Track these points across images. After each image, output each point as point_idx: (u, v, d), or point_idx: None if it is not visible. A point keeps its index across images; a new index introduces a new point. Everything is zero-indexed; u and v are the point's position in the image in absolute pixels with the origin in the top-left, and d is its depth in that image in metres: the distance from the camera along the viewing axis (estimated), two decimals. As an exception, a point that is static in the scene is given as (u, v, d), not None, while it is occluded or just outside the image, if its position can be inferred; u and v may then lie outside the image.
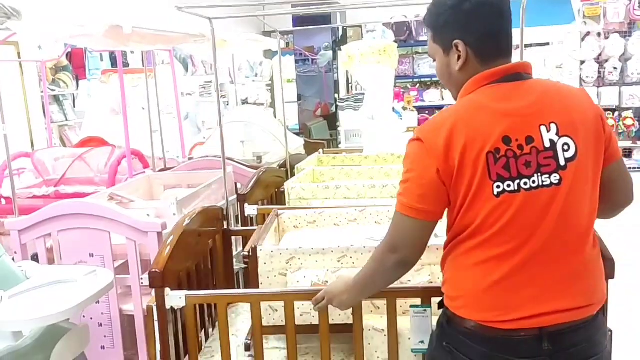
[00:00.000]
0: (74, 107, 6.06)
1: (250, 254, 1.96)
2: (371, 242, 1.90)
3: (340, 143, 6.66)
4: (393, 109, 4.83)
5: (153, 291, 1.83)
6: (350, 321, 1.72)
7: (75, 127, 5.95)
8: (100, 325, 2.43)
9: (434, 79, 8.28)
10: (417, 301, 1.63)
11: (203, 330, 2.24)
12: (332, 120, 8.30)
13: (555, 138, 1.21)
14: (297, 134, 6.47)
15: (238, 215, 2.90)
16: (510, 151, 1.19)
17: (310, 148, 4.56)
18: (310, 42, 9.03)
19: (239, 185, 3.36)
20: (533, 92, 1.24)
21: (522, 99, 1.23)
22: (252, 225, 2.76)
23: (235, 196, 2.95)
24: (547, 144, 1.20)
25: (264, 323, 1.89)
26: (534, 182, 1.19)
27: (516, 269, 1.21)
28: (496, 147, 1.19)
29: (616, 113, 7.34)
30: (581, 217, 1.23)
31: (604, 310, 1.32)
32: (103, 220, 2.33)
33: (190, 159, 4.24)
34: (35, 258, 2.43)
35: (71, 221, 2.36)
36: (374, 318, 1.80)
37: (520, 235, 1.20)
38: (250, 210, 2.82)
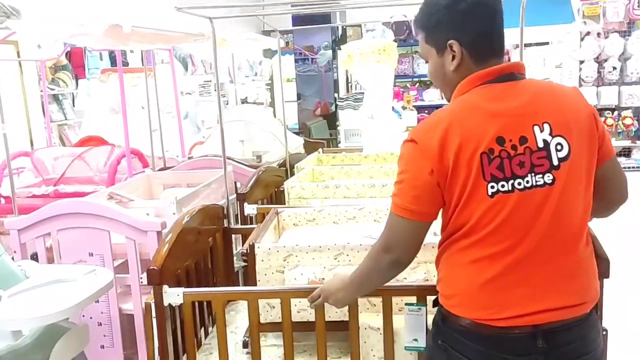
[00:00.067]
0: (74, 106, 6.05)
1: (248, 251, 1.97)
2: (368, 240, 1.91)
3: (339, 142, 6.66)
4: (392, 108, 4.83)
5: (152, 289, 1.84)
6: (347, 318, 1.73)
7: (74, 126, 5.95)
8: (100, 324, 2.43)
9: (433, 79, 8.26)
10: (413, 299, 1.63)
11: (202, 328, 2.25)
12: (331, 120, 8.30)
13: (549, 138, 1.21)
14: (296, 133, 6.47)
15: (238, 214, 2.91)
16: (504, 151, 1.19)
17: (309, 147, 4.56)
18: (309, 42, 9.03)
19: (238, 185, 3.37)
20: (526, 92, 1.25)
21: (516, 99, 1.23)
22: (251, 224, 2.76)
23: (235, 195, 2.95)
24: (541, 144, 1.21)
25: (262, 320, 1.91)
26: (527, 182, 1.20)
27: (510, 268, 1.22)
28: (490, 148, 1.19)
29: (615, 112, 7.35)
30: (574, 217, 1.24)
31: (597, 308, 1.33)
32: (102, 219, 2.33)
33: (189, 158, 4.24)
34: (34, 257, 2.43)
35: (70, 220, 2.36)
36: (370, 316, 1.81)
37: (514, 234, 1.21)
38: (250, 209, 2.82)
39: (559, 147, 1.21)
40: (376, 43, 4.17)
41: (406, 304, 1.61)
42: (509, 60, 8.47)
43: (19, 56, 5.12)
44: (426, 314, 1.60)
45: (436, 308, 1.37)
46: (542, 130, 1.21)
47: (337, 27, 8.75)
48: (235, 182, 3.36)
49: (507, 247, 1.21)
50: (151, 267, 1.82)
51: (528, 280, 1.22)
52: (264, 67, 8.82)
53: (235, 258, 2.68)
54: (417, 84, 8.69)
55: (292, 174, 3.46)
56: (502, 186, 1.20)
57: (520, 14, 2.36)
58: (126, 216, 2.32)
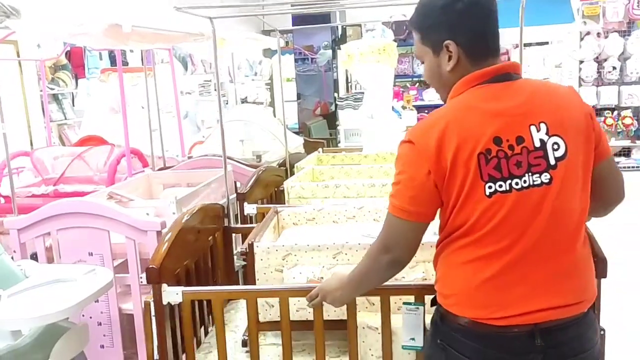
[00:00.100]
0: (73, 105, 6.05)
1: (247, 250, 1.97)
2: (366, 239, 1.91)
3: (339, 142, 6.66)
4: (392, 108, 4.83)
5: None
6: (345, 317, 1.74)
7: (74, 126, 5.95)
8: (100, 324, 2.43)
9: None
10: (411, 298, 1.64)
11: (202, 327, 2.25)
12: (331, 119, 8.30)
13: (545, 137, 1.22)
14: (296, 133, 6.46)
15: (237, 214, 2.90)
16: (501, 151, 1.20)
17: (309, 147, 4.56)
18: (309, 41, 9.02)
19: (238, 184, 3.36)
20: (522, 92, 1.25)
21: (512, 99, 1.24)
22: (251, 224, 2.76)
23: (235, 195, 2.95)
24: (537, 144, 1.21)
25: (261, 319, 1.92)
26: (525, 181, 1.20)
27: (507, 268, 1.22)
28: (487, 148, 1.19)
29: (615, 112, 7.35)
30: (572, 216, 1.24)
31: (594, 307, 1.33)
32: (102, 219, 2.33)
33: (189, 157, 4.23)
34: (34, 257, 2.42)
35: (70, 220, 2.36)
36: (369, 316, 1.81)
37: (511, 234, 1.21)
38: (250, 209, 2.82)
39: (555, 147, 1.21)
40: (376, 43, 4.17)
41: (404, 303, 1.62)
42: (509, 59, 8.48)
43: (18, 56, 5.12)
44: (424, 313, 1.60)
45: (434, 307, 1.38)
46: (538, 130, 1.21)
47: (337, 27, 8.74)
48: (235, 182, 3.36)
49: (504, 246, 1.22)
50: (150, 266, 1.83)
51: (525, 280, 1.22)
52: (264, 67, 8.82)
53: (235, 257, 2.68)
54: (417, 83, 8.69)
55: (292, 173, 3.46)
56: (500, 186, 1.20)
57: (520, 13, 2.36)
58: (126, 216, 2.32)
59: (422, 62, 1.37)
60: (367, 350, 1.80)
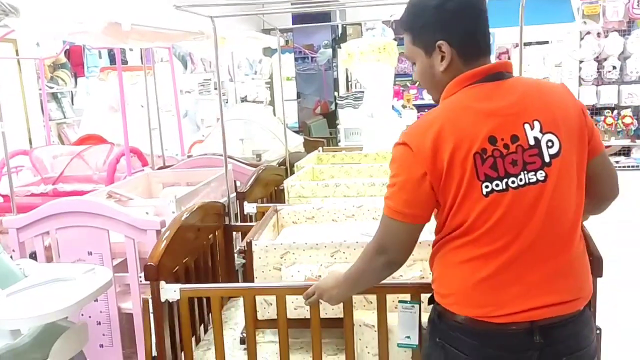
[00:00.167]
0: (73, 104, 6.04)
1: (246, 248, 1.98)
2: (364, 238, 1.92)
3: (339, 141, 6.66)
4: (392, 107, 4.83)
5: (151, 286, 1.84)
6: (343, 315, 1.74)
7: (73, 125, 5.94)
8: (99, 323, 2.42)
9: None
10: (408, 297, 1.64)
11: (202, 325, 2.26)
12: (331, 118, 8.30)
13: (539, 135, 1.22)
14: (296, 132, 6.46)
15: (237, 213, 2.90)
16: (496, 151, 1.20)
17: (309, 146, 4.55)
18: (309, 40, 9.02)
19: (238, 184, 3.36)
20: (515, 91, 1.25)
21: (505, 98, 1.24)
22: (251, 223, 2.76)
23: (235, 194, 2.95)
24: (532, 142, 1.21)
25: (259, 317, 1.93)
26: (520, 180, 1.21)
27: (503, 267, 1.22)
28: (483, 148, 1.20)
29: (615, 111, 7.35)
30: (567, 213, 1.25)
31: (590, 305, 1.34)
32: (101, 218, 2.32)
33: (189, 156, 4.23)
34: (33, 256, 2.42)
35: (69, 219, 2.35)
36: (366, 313, 1.82)
37: (508, 233, 1.21)
38: (250, 208, 2.82)
39: (549, 144, 1.22)
40: (376, 42, 4.16)
41: (399, 301, 1.63)
42: (509, 59, 8.48)
43: (17, 54, 5.11)
44: (419, 312, 1.61)
45: (431, 306, 1.38)
46: (532, 128, 1.22)
47: (337, 26, 8.74)
48: (234, 181, 3.36)
49: (501, 246, 1.22)
50: (148, 263, 1.83)
51: (522, 279, 1.23)
52: (264, 66, 8.82)
53: (236, 255, 2.68)
54: (417, 82, 8.68)
55: (292, 172, 3.46)
56: (497, 185, 1.20)
57: (520, 12, 2.36)
58: (125, 215, 2.31)
59: (413, 64, 1.36)
60: (363, 348, 1.81)
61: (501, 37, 7.37)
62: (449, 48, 1.27)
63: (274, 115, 6.86)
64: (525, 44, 7.19)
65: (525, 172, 1.21)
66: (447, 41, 1.27)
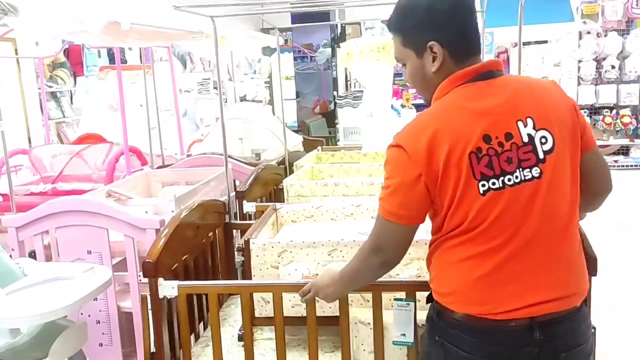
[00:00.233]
0: (72, 103, 6.04)
1: (244, 246, 1.99)
2: (361, 236, 1.93)
3: (338, 140, 6.65)
4: (392, 106, 4.83)
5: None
6: (339, 314, 1.75)
7: (72, 124, 5.94)
8: (98, 322, 2.42)
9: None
10: (403, 295, 1.65)
11: (202, 322, 2.27)
12: (330, 118, 8.29)
13: (533, 132, 1.23)
14: (295, 131, 6.46)
15: (237, 212, 2.90)
16: (491, 149, 1.21)
17: (308, 145, 4.56)
18: (308, 39, 9.02)
19: (237, 183, 3.36)
20: (506, 89, 1.26)
21: (497, 96, 1.25)
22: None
23: (234, 193, 2.95)
24: (526, 139, 1.22)
25: (257, 314, 1.96)
26: (516, 177, 1.21)
27: (501, 265, 1.23)
28: (478, 147, 1.20)
29: (614, 111, 7.36)
30: (563, 208, 1.25)
31: (586, 302, 1.35)
32: (101, 217, 2.32)
33: (188, 156, 4.23)
34: (32, 255, 2.42)
35: (69, 218, 2.35)
36: (362, 311, 1.83)
37: (506, 230, 1.22)
38: (249, 207, 2.82)
39: (543, 140, 1.23)
40: (375, 41, 4.16)
41: (395, 299, 1.64)
42: (508, 58, 8.49)
43: (16, 53, 5.10)
44: (415, 310, 1.62)
45: (429, 305, 1.38)
46: (525, 125, 1.23)
47: (336, 25, 8.74)
48: (234, 180, 3.36)
49: (499, 243, 1.22)
50: (147, 260, 1.84)
51: (521, 275, 1.23)
52: (263, 65, 8.82)
53: (236, 253, 2.68)
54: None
55: (291, 171, 3.46)
56: (493, 184, 1.21)
57: (519, 12, 2.36)
58: (124, 214, 2.31)
59: (404, 65, 1.36)
60: (359, 345, 1.83)
61: (500, 37, 7.38)
62: (440, 48, 1.27)
63: (273, 114, 6.86)
64: (525, 44, 7.21)
65: (521, 169, 1.21)
66: (438, 41, 1.27)
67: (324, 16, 7.58)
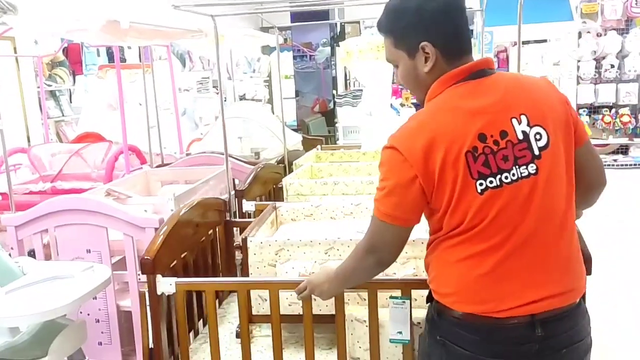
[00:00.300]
0: (71, 102, 6.03)
1: (242, 244, 2.00)
2: (358, 235, 1.92)
3: (338, 139, 6.65)
4: (391, 105, 4.83)
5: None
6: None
7: (71, 123, 5.94)
8: (98, 321, 2.43)
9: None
10: (398, 293, 1.66)
11: (202, 319, 2.27)
12: (330, 117, 8.29)
13: (527, 129, 1.23)
14: (294, 130, 6.46)
15: (236, 211, 2.90)
16: (487, 148, 1.21)
17: (308, 144, 4.56)
18: (308, 38, 9.01)
19: (236, 182, 3.36)
20: (499, 87, 1.26)
21: (490, 94, 1.25)
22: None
23: (234, 192, 2.95)
24: (520, 136, 1.22)
25: (255, 312, 1.97)
26: (513, 175, 1.22)
27: (500, 263, 1.23)
28: (473, 146, 1.20)
29: (613, 110, 7.36)
30: (559, 203, 1.26)
31: (584, 298, 1.36)
32: (100, 216, 2.32)
33: (187, 154, 4.22)
34: (32, 254, 2.42)
35: (68, 217, 2.35)
36: (358, 309, 1.84)
37: (505, 228, 1.22)
38: (248, 206, 2.82)
39: (538, 137, 1.23)
40: (375, 40, 4.16)
41: (390, 297, 1.65)
42: (507, 57, 8.49)
43: (16, 52, 5.10)
44: (410, 307, 1.63)
45: (428, 305, 1.38)
46: (520, 122, 1.23)
47: (336, 24, 8.74)
48: (233, 179, 3.36)
49: (498, 241, 1.23)
50: (145, 257, 1.85)
51: (520, 272, 1.24)
52: (262, 64, 8.81)
53: (237, 251, 2.69)
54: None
55: (291, 170, 3.46)
56: (491, 182, 1.21)
57: (519, 11, 2.36)
58: (124, 213, 2.31)
59: (396, 66, 1.36)
60: (355, 343, 1.84)
61: (500, 36, 7.38)
62: (432, 48, 1.27)
63: (273, 113, 6.86)
64: (524, 43, 7.20)
65: (517, 166, 1.22)
66: (430, 42, 1.27)
67: (324, 15, 7.57)
